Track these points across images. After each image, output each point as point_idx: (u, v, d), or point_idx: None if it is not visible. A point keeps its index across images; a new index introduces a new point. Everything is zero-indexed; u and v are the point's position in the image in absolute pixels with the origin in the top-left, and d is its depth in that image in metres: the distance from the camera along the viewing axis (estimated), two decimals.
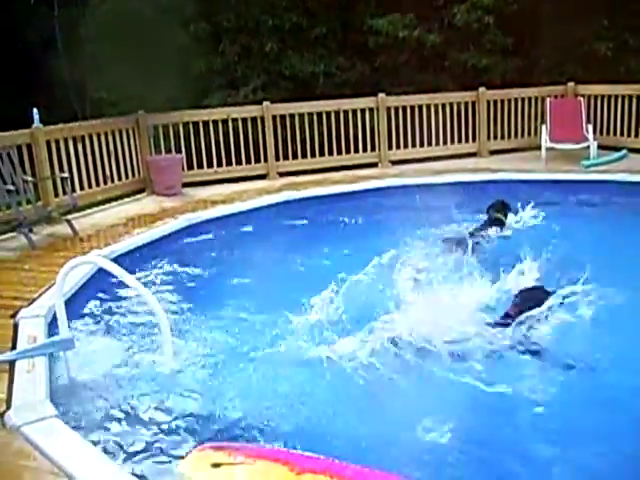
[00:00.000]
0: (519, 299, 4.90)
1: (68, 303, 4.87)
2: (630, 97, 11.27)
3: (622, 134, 11.46)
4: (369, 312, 4.94)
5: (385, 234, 7.56)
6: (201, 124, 10.59)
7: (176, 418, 4.05)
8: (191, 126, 10.57)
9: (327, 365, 4.47)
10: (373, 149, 11.43)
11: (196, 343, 4.97)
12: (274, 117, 10.90)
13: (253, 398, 4.25)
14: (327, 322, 4.85)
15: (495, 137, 12.10)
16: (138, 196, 10.02)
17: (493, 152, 12.02)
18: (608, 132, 11.61)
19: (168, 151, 10.44)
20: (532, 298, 4.84)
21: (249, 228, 8.31)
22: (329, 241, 7.56)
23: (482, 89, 11.87)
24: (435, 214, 7.81)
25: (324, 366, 4.46)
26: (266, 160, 10.92)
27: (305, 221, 8.58)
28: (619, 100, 11.43)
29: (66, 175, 8.53)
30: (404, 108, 11.50)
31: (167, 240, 7.74)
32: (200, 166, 10.69)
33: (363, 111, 11.32)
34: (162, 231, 7.88)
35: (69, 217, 8.10)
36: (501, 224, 7.41)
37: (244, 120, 10.84)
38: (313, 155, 11.25)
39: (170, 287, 6.31)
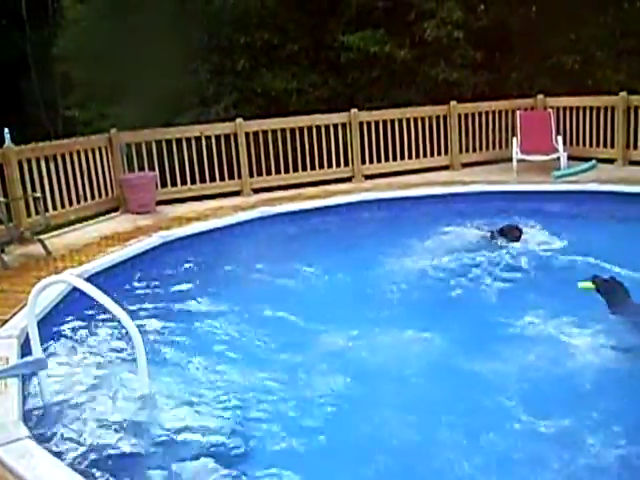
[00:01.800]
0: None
1: (41, 323, 4.81)
2: (598, 108, 11.44)
3: (591, 145, 11.62)
4: None
5: (361, 247, 7.67)
6: (174, 142, 10.58)
7: (151, 439, 4.02)
8: (164, 144, 10.54)
9: None
10: (346, 164, 11.49)
11: (172, 363, 4.96)
12: (247, 134, 10.91)
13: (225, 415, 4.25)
14: None
15: (467, 150, 12.22)
16: (112, 215, 9.96)
17: (465, 165, 12.13)
18: (577, 143, 11.78)
19: (141, 169, 10.42)
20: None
21: (224, 245, 8.31)
22: (305, 256, 7.57)
23: (453, 103, 12.00)
24: (409, 227, 7.90)
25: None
26: (240, 177, 10.93)
27: (280, 237, 8.59)
28: (587, 112, 11.60)
29: (38, 195, 8.46)
30: (376, 123, 11.58)
31: (141, 258, 7.69)
32: (174, 184, 10.67)
33: (336, 126, 11.38)
34: (136, 249, 7.83)
35: (42, 237, 8.03)
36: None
37: (217, 137, 10.85)
38: (287, 171, 11.27)
39: (145, 305, 6.27)
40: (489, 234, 7.61)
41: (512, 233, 7.41)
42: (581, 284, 5.46)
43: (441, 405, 4.25)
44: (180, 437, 4.05)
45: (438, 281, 6.47)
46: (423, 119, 11.84)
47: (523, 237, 7.44)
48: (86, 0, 17.09)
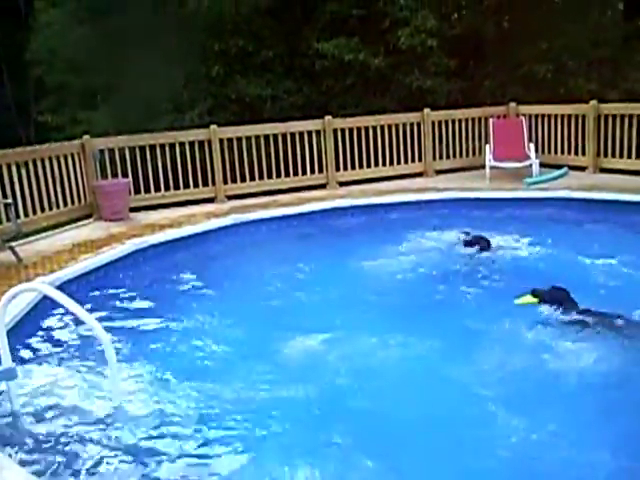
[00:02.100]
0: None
1: (11, 332, 4.77)
2: (569, 116, 11.59)
3: (562, 152, 11.77)
4: None
5: (334, 254, 7.69)
6: (148, 148, 10.53)
7: (123, 448, 3.99)
8: (138, 150, 10.49)
9: None
10: (321, 171, 11.50)
11: (143, 371, 4.93)
12: (221, 140, 10.89)
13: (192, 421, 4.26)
14: None
15: (440, 157, 12.30)
16: (85, 222, 9.88)
17: (439, 172, 12.21)
18: (549, 151, 11.92)
19: (114, 176, 10.35)
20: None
21: (197, 252, 8.28)
22: (277, 263, 7.57)
23: (427, 110, 12.08)
24: (382, 234, 7.95)
25: None
26: (214, 183, 10.91)
27: (253, 244, 8.58)
28: (559, 120, 11.75)
29: (10, 201, 8.36)
30: (351, 130, 11.61)
31: (114, 265, 7.64)
32: (147, 190, 10.62)
33: (310, 133, 11.40)
34: (109, 257, 7.77)
35: (13, 244, 7.94)
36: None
37: (191, 144, 10.81)
38: (261, 178, 11.28)
39: (117, 314, 6.23)
40: (461, 241, 7.66)
41: (480, 243, 7.45)
42: (518, 300, 5.58)
43: (407, 407, 4.28)
44: (151, 445, 4.03)
45: (408, 287, 6.50)
46: (397, 126, 11.90)
47: (494, 244, 7.50)
48: (59, 4, 16.97)
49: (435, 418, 4.15)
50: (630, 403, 4.29)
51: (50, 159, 9.41)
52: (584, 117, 11.34)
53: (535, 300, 5.53)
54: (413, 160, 12.10)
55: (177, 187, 10.81)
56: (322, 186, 11.48)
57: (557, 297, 5.50)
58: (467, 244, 7.53)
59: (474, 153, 12.31)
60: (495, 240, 7.62)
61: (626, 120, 10.82)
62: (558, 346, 4.94)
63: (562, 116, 11.70)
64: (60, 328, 5.82)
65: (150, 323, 6.03)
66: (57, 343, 5.62)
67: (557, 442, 3.85)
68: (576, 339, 5.03)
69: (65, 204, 9.67)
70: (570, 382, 4.48)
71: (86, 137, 10.18)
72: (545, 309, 5.48)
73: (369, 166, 11.80)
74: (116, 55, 14.02)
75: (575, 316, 5.32)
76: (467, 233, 7.75)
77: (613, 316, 5.23)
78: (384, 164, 11.89)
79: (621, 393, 4.37)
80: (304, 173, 11.46)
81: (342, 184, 11.55)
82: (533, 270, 6.79)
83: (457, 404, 4.30)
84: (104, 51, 14.30)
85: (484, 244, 7.45)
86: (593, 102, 11.30)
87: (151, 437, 4.11)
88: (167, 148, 10.66)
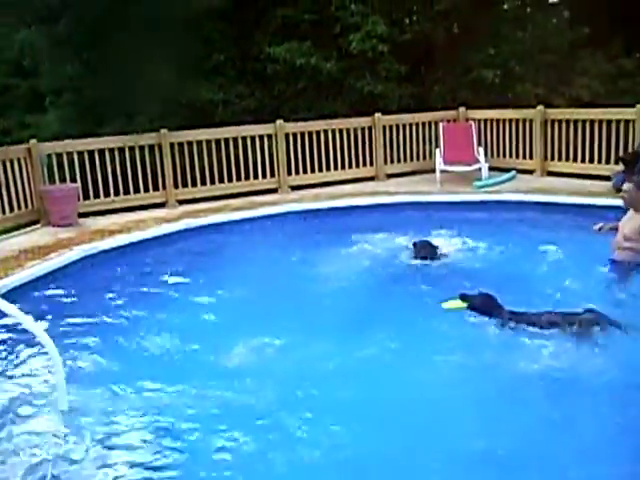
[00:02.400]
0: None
1: None
2: (517, 121, 11.81)
3: (511, 156, 11.98)
4: None
5: (283, 259, 7.69)
6: (97, 153, 10.39)
7: (71, 457, 3.92)
8: (86, 155, 10.34)
9: None
10: (273, 175, 11.49)
11: (91, 378, 4.87)
12: (172, 145, 10.80)
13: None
14: None
15: (392, 161, 12.39)
16: (32, 227, 9.70)
17: (390, 176, 12.30)
18: (498, 154, 12.12)
19: (63, 181, 10.19)
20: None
21: (148, 258, 8.18)
22: (226, 268, 7.54)
23: (378, 115, 12.16)
24: (331, 238, 7.98)
25: None
26: (165, 188, 10.81)
27: (204, 249, 8.53)
28: (507, 124, 11.95)
29: None
30: (302, 134, 11.62)
31: (63, 272, 7.52)
32: (97, 195, 10.47)
33: (262, 137, 11.38)
34: (57, 263, 7.64)
35: None
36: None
37: (141, 148, 10.70)
38: (213, 182, 11.22)
39: (64, 321, 6.11)
40: (408, 246, 7.64)
41: (425, 249, 7.41)
42: (446, 304, 5.58)
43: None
44: (100, 453, 3.98)
45: (347, 293, 6.45)
46: (348, 131, 11.96)
47: (443, 247, 7.55)
48: (2, 5, 16.63)
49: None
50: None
51: None
52: (531, 122, 11.56)
53: (463, 305, 5.55)
54: (365, 164, 12.17)
55: (127, 192, 10.69)
56: (274, 190, 11.46)
57: (484, 302, 5.54)
58: (415, 250, 7.47)
59: (425, 157, 12.43)
60: (443, 243, 7.69)
61: (571, 125, 11.09)
62: (484, 349, 5.04)
63: (510, 120, 11.91)
64: (4, 336, 5.69)
65: (98, 330, 5.93)
66: (1, 351, 5.51)
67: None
68: (499, 342, 5.15)
69: (12, 209, 9.49)
70: (484, 380, 4.59)
71: (33, 141, 10.01)
72: (472, 313, 5.52)
73: (321, 170, 11.82)
74: (65, 57, 13.81)
75: (501, 319, 5.40)
76: (418, 242, 7.63)
77: (541, 315, 5.34)
78: (336, 168, 11.93)
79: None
80: (256, 177, 11.43)
81: (294, 188, 11.56)
82: (477, 273, 6.86)
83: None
84: (52, 53, 14.07)
85: (430, 249, 7.42)
86: (540, 107, 11.53)
87: (102, 442, 4.06)
88: (117, 153, 10.53)
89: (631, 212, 6.76)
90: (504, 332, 5.29)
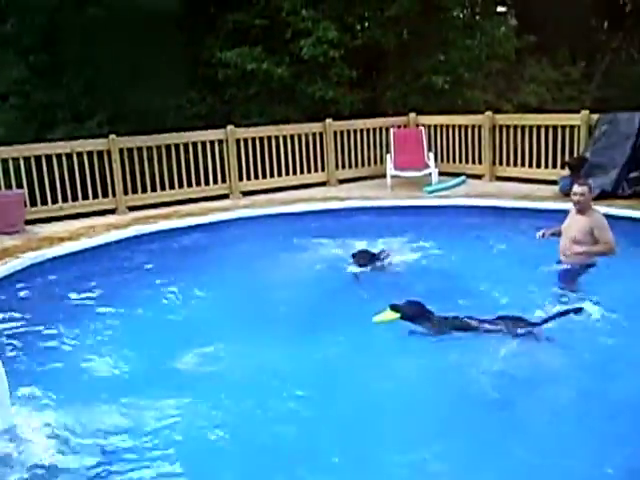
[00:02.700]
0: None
1: None
2: (466, 127, 11.97)
3: (460, 161, 12.15)
4: None
5: (232, 264, 7.67)
6: (44, 158, 10.20)
7: (16, 474, 3.85)
8: (33, 160, 10.15)
9: None
10: (224, 181, 11.43)
11: (37, 393, 4.76)
12: (121, 150, 10.67)
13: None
14: None
15: (343, 166, 12.44)
16: None
17: (342, 181, 12.35)
18: (448, 160, 12.27)
19: (8, 187, 9.97)
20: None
21: (97, 265, 8.06)
22: (174, 275, 7.48)
23: (329, 120, 12.20)
24: (278, 243, 8.01)
25: None
26: (114, 194, 10.67)
27: (154, 256, 8.44)
28: (457, 129, 12.12)
29: None
30: (253, 139, 11.59)
31: (8, 281, 7.35)
32: (44, 202, 10.27)
33: (213, 143, 11.33)
34: (3, 272, 7.47)
35: None
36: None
37: (90, 154, 10.54)
38: (163, 188, 11.10)
39: (8, 332, 5.99)
40: (353, 254, 7.53)
41: (363, 257, 7.40)
42: (377, 317, 5.48)
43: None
44: (46, 471, 3.90)
45: (293, 300, 6.43)
46: (300, 136, 11.97)
47: (392, 252, 7.58)
48: None
49: None
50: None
51: None
52: (480, 127, 11.73)
53: (396, 315, 5.46)
54: (316, 169, 12.20)
55: (76, 198, 10.50)
56: (225, 196, 11.41)
57: (413, 310, 5.52)
58: (354, 260, 7.43)
59: (376, 162, 12.52)
60: (390, 248, 7.70)
61: (519, 130, 11.30)
62: (412, 356, 5.09)
63: (460, 126, 12.07)
64: None
65: (45, 342, 5.81)
66: None
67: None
68: (425, 349, 5.24)
69: None
70: (410, 389, 4.64)
71: None
72: (403, 324, 5.50)
73: (272, 176, 11.80)
74: (10, 59, 13.54)
75: (430, 325, 5.46)
76: (356, 252, 7.56)
77: (473, 319, 5.42)
78: (287, 173, 11.92)
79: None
80: (207, 183, 11.36)
81: (245, 194, 11.51)
82: (419, 279, 6.92)
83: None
84: None
85: (368, 257, 7.41)
86: (488, 113, 11.72)
87: (48, 458, 3.99)
88: (64, 158, 10.35)
89: (574, 216, 6.88)
90: (432, 338, 5.37)
